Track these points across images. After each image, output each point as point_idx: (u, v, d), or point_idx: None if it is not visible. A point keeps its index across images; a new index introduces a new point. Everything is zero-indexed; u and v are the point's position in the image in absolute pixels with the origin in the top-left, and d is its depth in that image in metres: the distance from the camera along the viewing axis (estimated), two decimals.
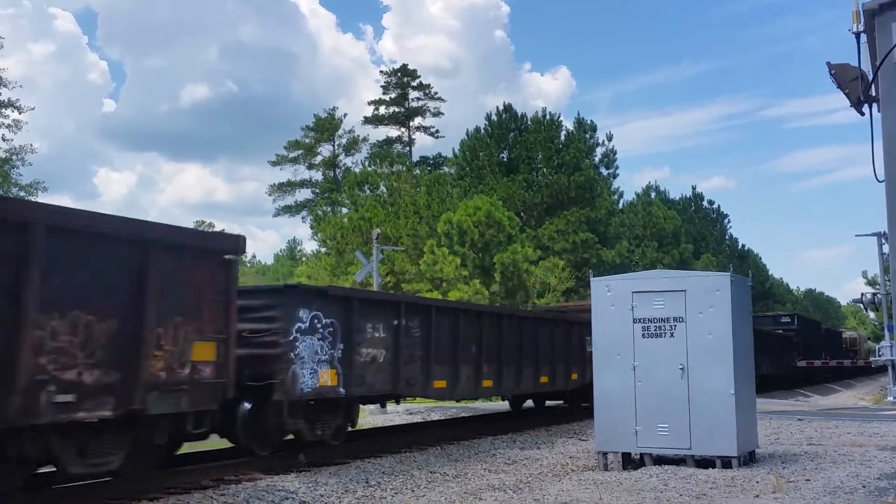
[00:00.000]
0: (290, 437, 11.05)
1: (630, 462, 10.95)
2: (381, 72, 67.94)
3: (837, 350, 54.80)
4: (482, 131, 48.37)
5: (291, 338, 10.21)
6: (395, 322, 12.07)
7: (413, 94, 64.29)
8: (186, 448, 10.04)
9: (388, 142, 62.92)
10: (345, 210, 46.65)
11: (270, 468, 10.19)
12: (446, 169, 51.07)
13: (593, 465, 11.12)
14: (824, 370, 47.42)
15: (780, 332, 41.77)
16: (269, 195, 63.63)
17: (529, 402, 19.25)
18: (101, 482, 8.49)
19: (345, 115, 63.35)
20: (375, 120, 64.20)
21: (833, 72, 6.60)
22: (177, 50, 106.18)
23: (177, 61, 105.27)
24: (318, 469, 10.41)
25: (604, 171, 50.77)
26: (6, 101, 39.13)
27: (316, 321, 10.67)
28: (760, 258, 77.41)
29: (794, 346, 42.51)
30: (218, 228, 60.19)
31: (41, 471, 8.35)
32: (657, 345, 10.84)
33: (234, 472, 9.80)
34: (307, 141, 62.65)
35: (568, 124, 50.15)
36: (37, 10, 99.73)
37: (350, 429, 12.27)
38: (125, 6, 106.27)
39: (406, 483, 9.78)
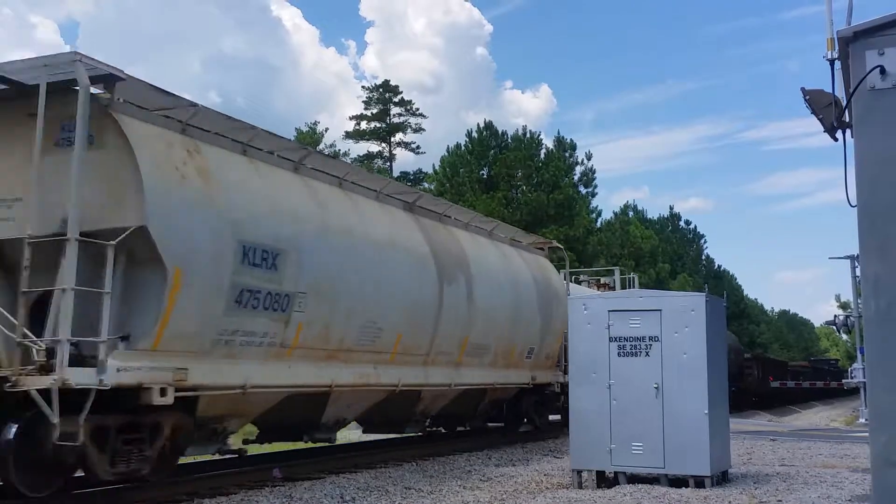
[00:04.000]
0: None
1: (604, 480, 10.99)
2: (363, 87, 67.97)
3: None
4: (463, 148, 48.57)
5: None
6: None
7: (394, 110, 64.35)
8: None
9: (369, 157, 62.88)
10: None
11: (244, 482, 10.13)
12: (426, 185, 51.14)
13: (568, 482, 11.14)
14: (797, 391, 48.45)
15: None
16: None
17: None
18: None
19: (326, 129, 63.21)
20: (357, 135, 64.15)
21: (807, 97, 6.71)
22: (159, 60, 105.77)
23: (159, 72, 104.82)
24: (292, 484, 10.36)
25: (583, 190, 51.11)
26: None
27: None
28: (736, 279, 78.27)
29: None
30: None
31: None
32: (632, 364, 10.90)
33: (208, 486, 9.73)
34: None
35: (548, 142, 50.49)
36: (18, 19, 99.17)
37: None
38: (107, 16, 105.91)
39: (381, 499, 9.76)
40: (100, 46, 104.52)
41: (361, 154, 63.17)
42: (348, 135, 64.32)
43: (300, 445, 13.44)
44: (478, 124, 49.24)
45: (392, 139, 64.88)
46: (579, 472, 11.01)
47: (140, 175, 8.12)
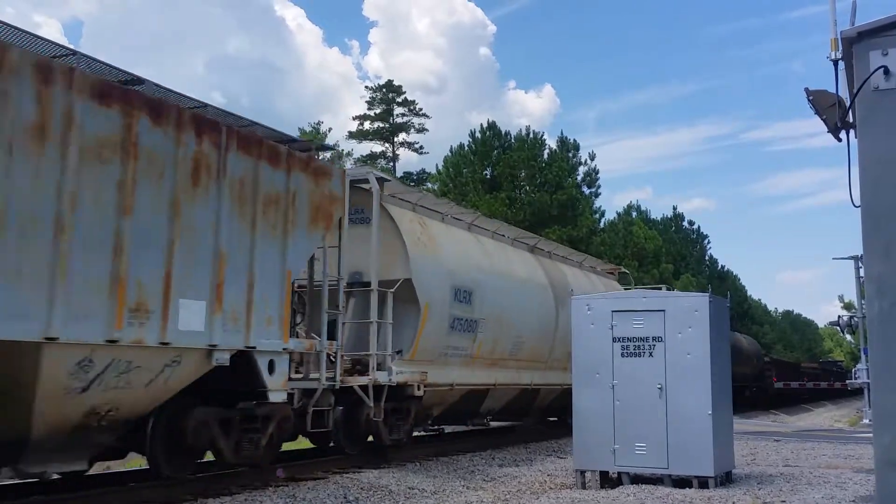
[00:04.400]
0: None
1: (608, 480, 10.99)
2: (366, 87, 68.01)
3: None
4: (466, 148, 48.53)
5: None
6: None
7: (398, 110, 64.41)
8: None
9: (373, 157, 62.91)
10: None
11: (248, 482, 10.14)
12: (430, 185, 51.15)
13: (571, 483, 11.15)
14: (802, 391, 49.20)
15: None
16: None
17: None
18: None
19: (329, 129, 63.58)
20: (360, 135, 64.20)
21: (811, 98, 6.71)
22: (163, 61, 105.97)
23: (163, 72, 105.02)
24: (295, 484, 10.37)
25: (586, 190, 51.02)
26: None
27: None
28: (739, 279, 78.00)
29: None
30: None
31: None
32: (636, 364, 10.91)
33: (211, 486, 9.74)
34: None
35: (551, 143, 50.44)
36: (22, 18, 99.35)
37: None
38: (112, 16, 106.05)
39: (384, 499, 9.77)
40: (103, 46, 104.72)
41: (365, 154, 63.24)
42: (352, 135, 64.40)
43: (301, 445, 13.45)
44: (481, 124, 49.23)
45: (395, 139, 64.93)
46: (583, 473, 11.01)
47: (405, 245, 12.66)
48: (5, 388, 7.15)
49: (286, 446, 13.38)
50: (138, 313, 7.74)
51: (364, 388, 11.59)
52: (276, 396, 9.68)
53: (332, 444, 12.42)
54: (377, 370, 11.81)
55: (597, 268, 22.15)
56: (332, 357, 10.90)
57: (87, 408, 7.71)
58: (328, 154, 13.40)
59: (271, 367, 9.52)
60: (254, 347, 9.16)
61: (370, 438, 12.41)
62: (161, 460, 8.89)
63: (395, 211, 12.93)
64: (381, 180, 12.62)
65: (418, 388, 12.64)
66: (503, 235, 17.11)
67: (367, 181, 12.38)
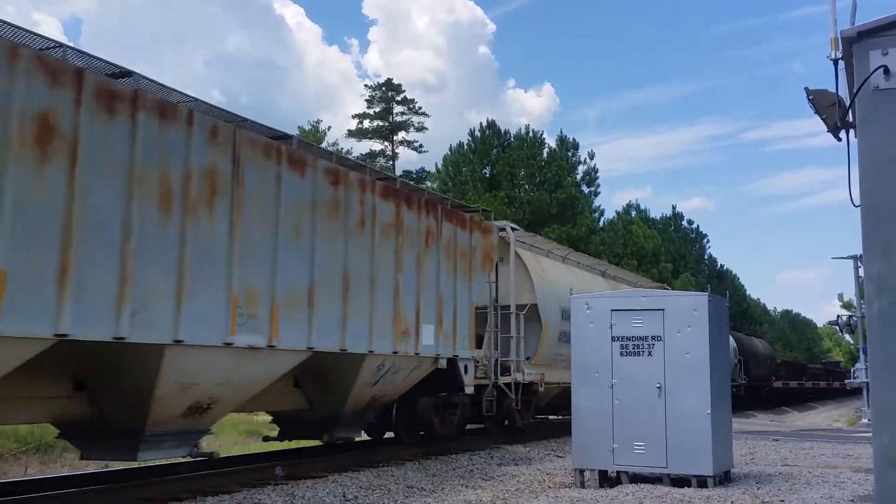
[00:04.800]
0: None
1: (606, 480, 10.99)
2: (365, 85, 67.99)
3: None
4: (465, 147, 48.53)
5: None
6: None
7: (397, 109, 64.31)
8: (162, 460, 9.99)
9: (372, 155, 62.84)
10: None
11: (247, 480, 10.14)
12: (429, 184, 51.14)
13: (570, 482, 11.15)
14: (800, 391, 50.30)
15: None
16: None
17: None
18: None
19: (329, 127, 63.47)
20: (359, 133, 64.13)
21: (811, 97, 6.69)
22: (163, 59, 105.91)
23: (162, 70, 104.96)
24: (294, 482, 10.37)
25: (585, 190, 51.03)
26: None
27: None
28: (738, 279, 78.01)
29: None
30: None
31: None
32: (635, 363, 10.91)
33: (211, 483, 9.74)
34: None
35: (551, 142, 50.44)
36: (21, 16, 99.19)
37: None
38: (111, 15, 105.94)
39: (383, 497, 9.77)
40: (103, 45, 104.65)
41: (364, 153, 63.19)
42: (351, 133, 64.33)
43: (302, 444, 13.46)
44: (480, 123, 49.32)
45: (395, 138, 64.86)
46: (582, 472, 11.02)
47: (532, 279, 17.09)
48: (339, 382, 11.43)
49: (287, 445, 13.49)
50: (405, 335, 12.05)
51: (508, 385, 15.75)
52: (468, 390, 14.18)
53: (482, 426, 16.75)
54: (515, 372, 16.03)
55: (644, 285, 26.48)
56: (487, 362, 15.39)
57: (372, 395, 12.19)
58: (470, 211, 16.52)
59: (466, 370, 13.95)
60: (457, 356, 13.56)
61: (506, 422, 16.82)
62: (402, 432, 14.21)
63: (522, 252, 17.38)
64: (513, 229, 17.32)
65: (540, 386, 16.84)
66: (579, 263, 21.86)
67: (504, 230, 16.74)
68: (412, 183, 13.72)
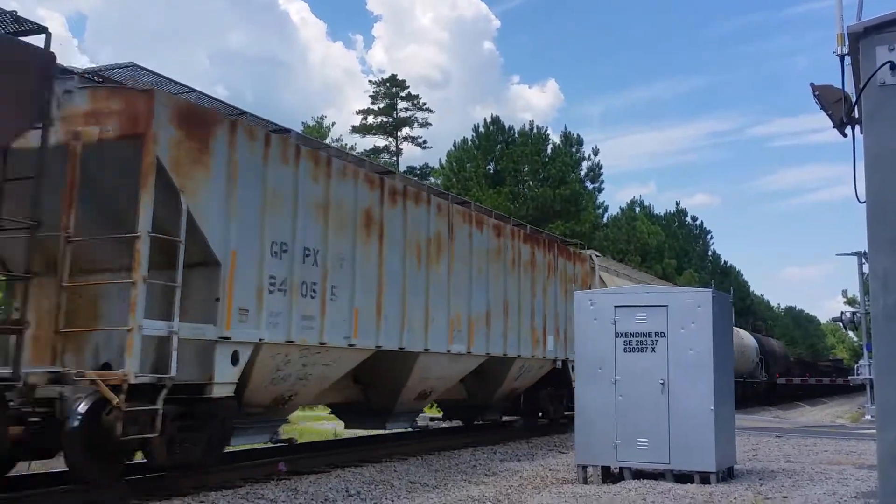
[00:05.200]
0: None
1: (609, 476, 10.98)
2: (370, 81, 67.78)
3: None
4: (469, 143, 48.51)
5: None
6: None
7: (401, 105, 64.22)
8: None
9: (376, 151, 62.76)
10: None
11: (250, 476, 10.15)
12: (433, 180, 51.12)
13: (573, 478, 11.15)
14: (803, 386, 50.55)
15: None
16: None
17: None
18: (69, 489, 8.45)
19: (333, 123, 63.07)
20: (363, 129, 64.04)
21: (817, 93, 6.67)
22: (167, 55, 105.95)
23: (167, 65, 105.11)
24: (297, 477, 10.38)
25: (589, 186, 51.01)
26: None
27: None
28: (742, 275, 78.07)
29: None
30: None
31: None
32: (638, 359, 10.89)
33: (214, 479, 9.75)
34: None
35: (555, 138, 50.41)
36: (26, 12, 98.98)
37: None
38: (116, 11, 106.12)
39: (386, 493, 9.77)
40: (107, 40, 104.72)
41: (368, 149, 63.15)
42: (355, 129, 64.25)
43: (306, 439, 13.47)
44: (485, 119, 49.27)
45: (399, 134, 64.76)
46: (584, 468, 11.01)
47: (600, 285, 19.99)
48: (494, 377, 15.67)
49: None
50: (537, 343, 16.38)
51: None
52: (572, 385, 15.42)
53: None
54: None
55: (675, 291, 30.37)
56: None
57: (513, 388, 16.64)
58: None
59: (573, 368, 15.93)
60: (568, 358, 17.14)
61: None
62: (528, 419, 18.36)
63: (603, 274, 20.45)
64: (595, 256, 20.53)
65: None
66: (639, 280, 24.63)
67: (591, 257, 19.93)
68: (532, 227, 18.06)
